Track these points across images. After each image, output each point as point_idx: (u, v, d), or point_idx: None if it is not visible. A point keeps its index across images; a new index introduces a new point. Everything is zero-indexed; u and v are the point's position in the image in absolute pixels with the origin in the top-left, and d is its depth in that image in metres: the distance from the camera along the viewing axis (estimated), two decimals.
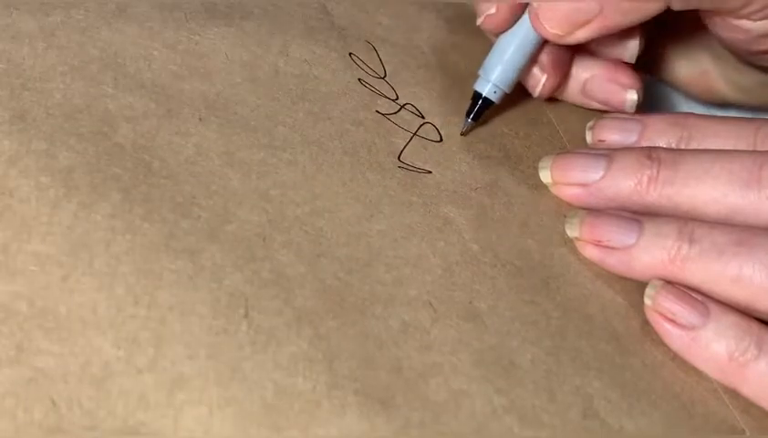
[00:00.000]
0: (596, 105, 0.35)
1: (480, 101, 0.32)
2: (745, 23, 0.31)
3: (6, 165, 0.24)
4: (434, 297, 0.26)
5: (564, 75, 0.34)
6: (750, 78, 0.37)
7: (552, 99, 0.35)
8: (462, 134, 0.32)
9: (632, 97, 0.34)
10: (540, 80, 0.33)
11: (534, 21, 0.32)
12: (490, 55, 0.33)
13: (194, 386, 0.22)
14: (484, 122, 0.33)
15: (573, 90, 0.35)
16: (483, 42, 0.36)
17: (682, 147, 0.31)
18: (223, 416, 0.21)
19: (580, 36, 0.31)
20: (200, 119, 0.28)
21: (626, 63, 0.34)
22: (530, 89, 0.34)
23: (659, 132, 0.31)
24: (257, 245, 0.25)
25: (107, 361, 0.22)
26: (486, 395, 0.24)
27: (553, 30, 0.31)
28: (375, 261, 0.26)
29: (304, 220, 0.27)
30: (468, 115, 0.32)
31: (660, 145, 0.31)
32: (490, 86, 0.32)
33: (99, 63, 0.28)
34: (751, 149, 0.30)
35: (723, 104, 0.40)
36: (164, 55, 0.30)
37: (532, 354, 0.26)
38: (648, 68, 0.37)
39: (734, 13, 0.31)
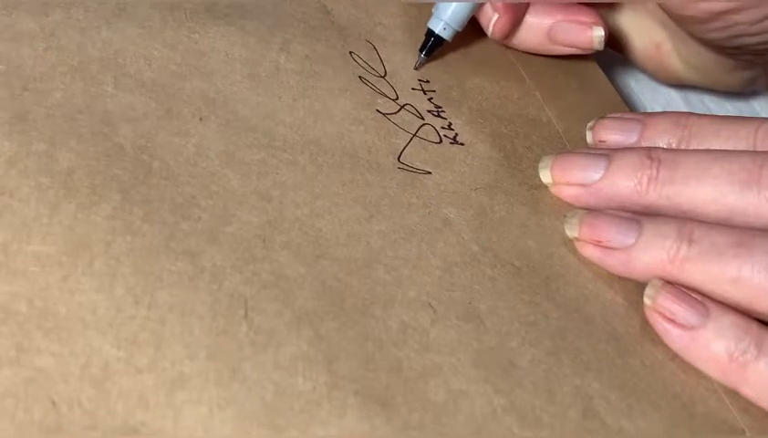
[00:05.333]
0: (563, 49, 0.36)
1: (432, 39, 0.34)
2: None
3: (6, 166, 0.24)
4: (434, 298, 0.26)
5: (515, 17, 0.35)
6: (702, 57, 0.37)
7: (552, 98, 0.35)
8: (415, 68, 0.34)
9: (598, 33, 0.35)
10: (491, 19, 0.34)
11: None
12: None
13: (194, 386, 0.22)
14: (484, 122, 0.33)
15: (539, 39, 0.36)
16: (482, 42, 0.36)
17: (683, 147, 0.31)
18: (223, 416, 0.22)
19: None
20: (200, 119, 0.28)
21: (586, 5, 0.35)
22: (483, 28, 0.35)
23: (660, 132, 0.31)
24: (257, 246, 0.25)
25: (107, 361, 0.22)
26: (486, 396, 0.24)
27: None
28: (374, 262, 0.26)
29: (303, 221, 0.27)
30: (421, 51, 0.34)
31: (661, 145, 0.31)
32: (442, 24, 0.34)
33: (99, 63, 0.28)
34: (751, 149, 0.30)
35: (679, 84, 0.40)
36: (164, 54, 0.30)
37: (531, 354, 0.26)
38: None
39: None
